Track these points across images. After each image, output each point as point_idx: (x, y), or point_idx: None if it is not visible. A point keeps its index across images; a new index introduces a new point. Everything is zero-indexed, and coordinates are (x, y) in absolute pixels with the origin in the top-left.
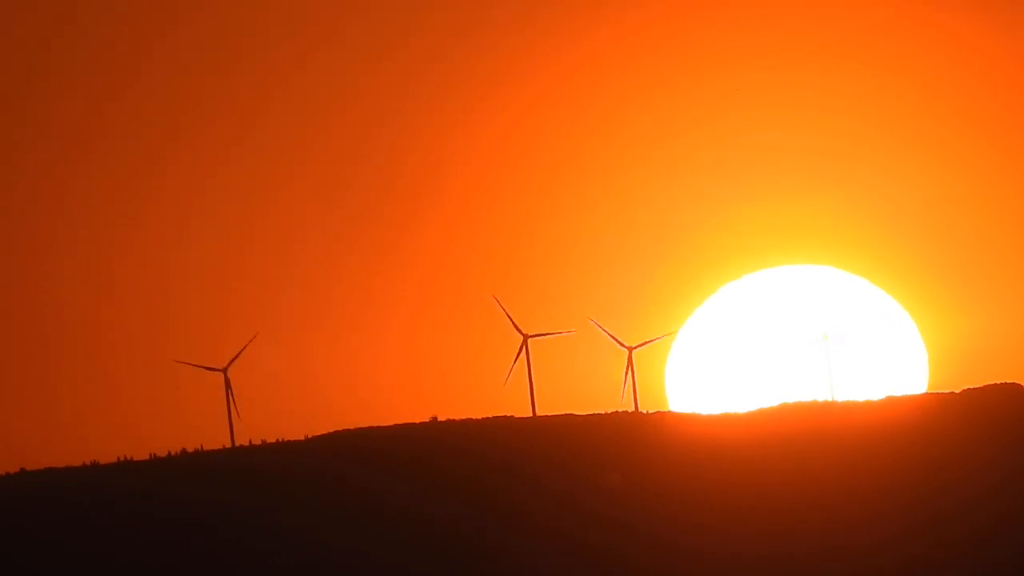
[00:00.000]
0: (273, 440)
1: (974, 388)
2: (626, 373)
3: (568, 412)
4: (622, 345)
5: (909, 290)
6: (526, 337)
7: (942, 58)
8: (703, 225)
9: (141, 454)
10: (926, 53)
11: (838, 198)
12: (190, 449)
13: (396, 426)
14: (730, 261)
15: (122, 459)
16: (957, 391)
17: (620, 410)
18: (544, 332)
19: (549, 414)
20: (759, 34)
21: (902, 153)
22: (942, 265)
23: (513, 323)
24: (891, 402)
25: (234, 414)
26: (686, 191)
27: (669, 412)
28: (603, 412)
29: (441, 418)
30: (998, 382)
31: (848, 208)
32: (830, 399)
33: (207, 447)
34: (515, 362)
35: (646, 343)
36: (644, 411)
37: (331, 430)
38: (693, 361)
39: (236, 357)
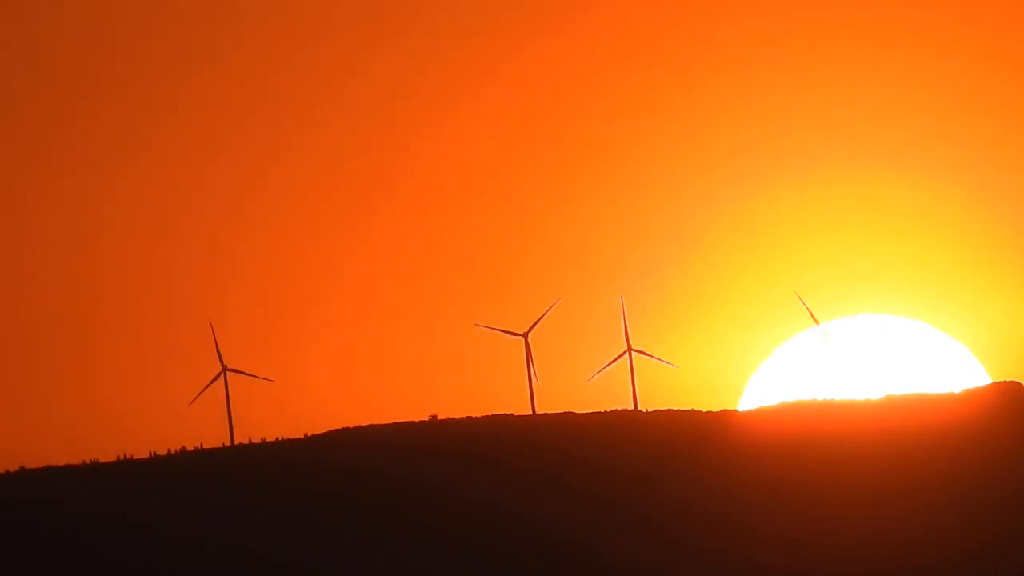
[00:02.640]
0: (273, 439)
1: (976, 387)
2: (631, 367)
3: (568, 411)
4: (623, 355)
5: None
6: (525, 335)
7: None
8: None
9: (141, 452)
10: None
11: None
12: (190, 448)
13: (395, 424)
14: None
15: (122, 457)
16: (957, 391)
17: (620, 408)
18: (535, 321)
19: (549, 412)
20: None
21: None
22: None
23: (507, 332)
24: (890, 400)
25: (199, 402)
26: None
27: (671, 409)
28: (603, 411)
29: (441, 416)
30: (998, 381)
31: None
32: (830, 398)
33: (207, 445)
34: (530, 367)
35: (536, 323)
36: (644, 409)
37: (330, 428)
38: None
39: (244, 373)
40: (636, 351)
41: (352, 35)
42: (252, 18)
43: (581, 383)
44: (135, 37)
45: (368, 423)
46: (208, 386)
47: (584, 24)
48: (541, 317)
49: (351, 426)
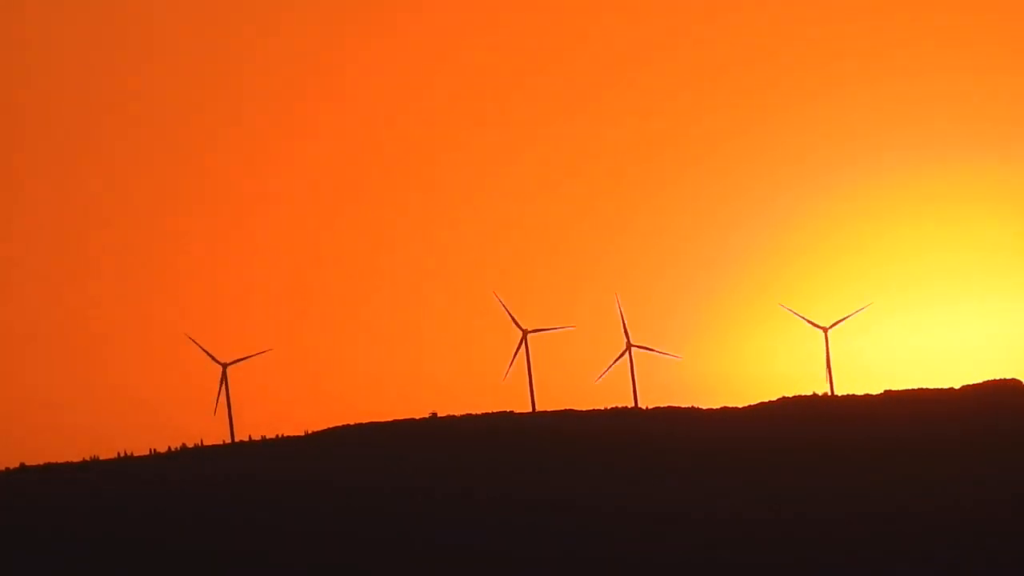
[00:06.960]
0: (273, 436)
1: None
2: (631, 367)
3: (568, 408)
4: (624, 353)
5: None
6: (525, 333)
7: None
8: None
9: (141, 450)
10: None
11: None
12: (190, 445)
13: (395, 422)
14: None
15: (122, 455)
16: (956, 387)
17: (620, 406)
18: (543, 327)
19: (548, 409)
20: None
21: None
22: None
23: (513, 319)
24: (890, 396)
25: (220, 407)
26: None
27: (671, 407)
28: (602, 408)
29: (440, 414)
30: (997, 379)
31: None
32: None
33: (207, 442)
34: (514, 357)
35: (647, 348)
36: (643, 407)
37: (330, 426)
38: None
39: (243, 359)
40: (637, 347)
41: (358, 31)
42: (240, 17)
43: (581, 382)
44: (131, 39)
45: (367, 420)
46: (221, 388)
47: (589, 25)
48: (549, 329)
49: (351, 423)
